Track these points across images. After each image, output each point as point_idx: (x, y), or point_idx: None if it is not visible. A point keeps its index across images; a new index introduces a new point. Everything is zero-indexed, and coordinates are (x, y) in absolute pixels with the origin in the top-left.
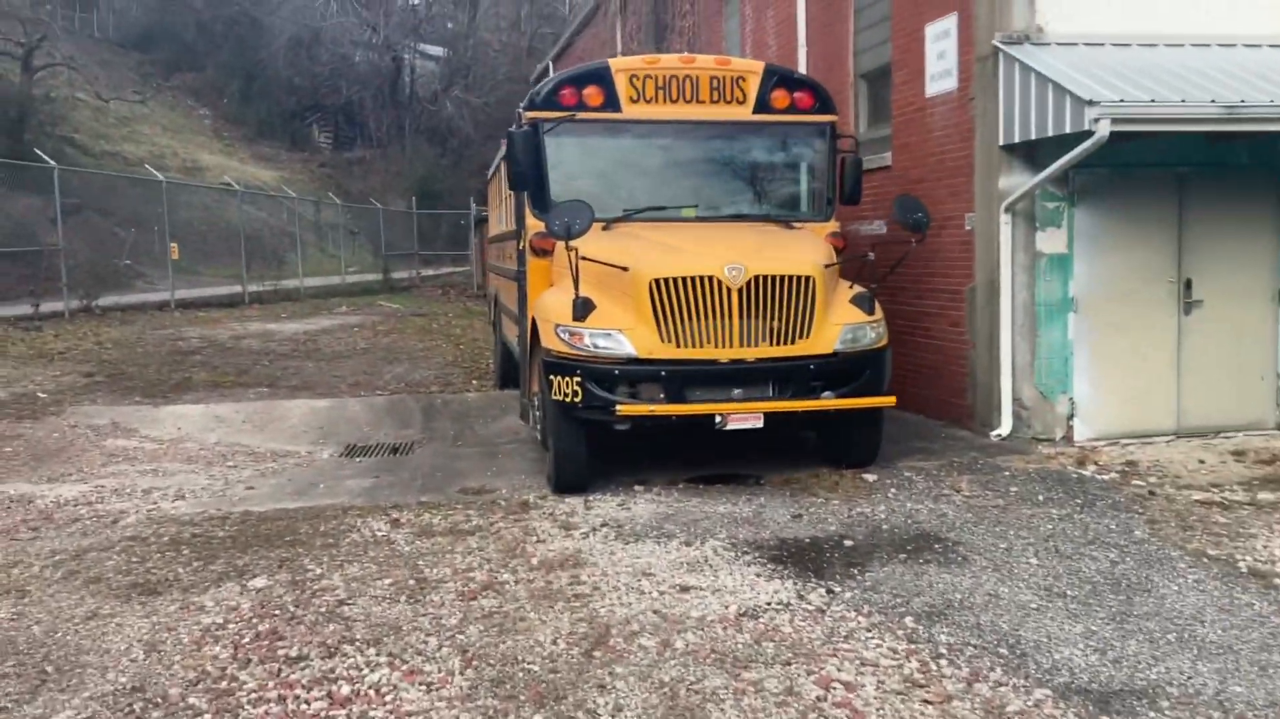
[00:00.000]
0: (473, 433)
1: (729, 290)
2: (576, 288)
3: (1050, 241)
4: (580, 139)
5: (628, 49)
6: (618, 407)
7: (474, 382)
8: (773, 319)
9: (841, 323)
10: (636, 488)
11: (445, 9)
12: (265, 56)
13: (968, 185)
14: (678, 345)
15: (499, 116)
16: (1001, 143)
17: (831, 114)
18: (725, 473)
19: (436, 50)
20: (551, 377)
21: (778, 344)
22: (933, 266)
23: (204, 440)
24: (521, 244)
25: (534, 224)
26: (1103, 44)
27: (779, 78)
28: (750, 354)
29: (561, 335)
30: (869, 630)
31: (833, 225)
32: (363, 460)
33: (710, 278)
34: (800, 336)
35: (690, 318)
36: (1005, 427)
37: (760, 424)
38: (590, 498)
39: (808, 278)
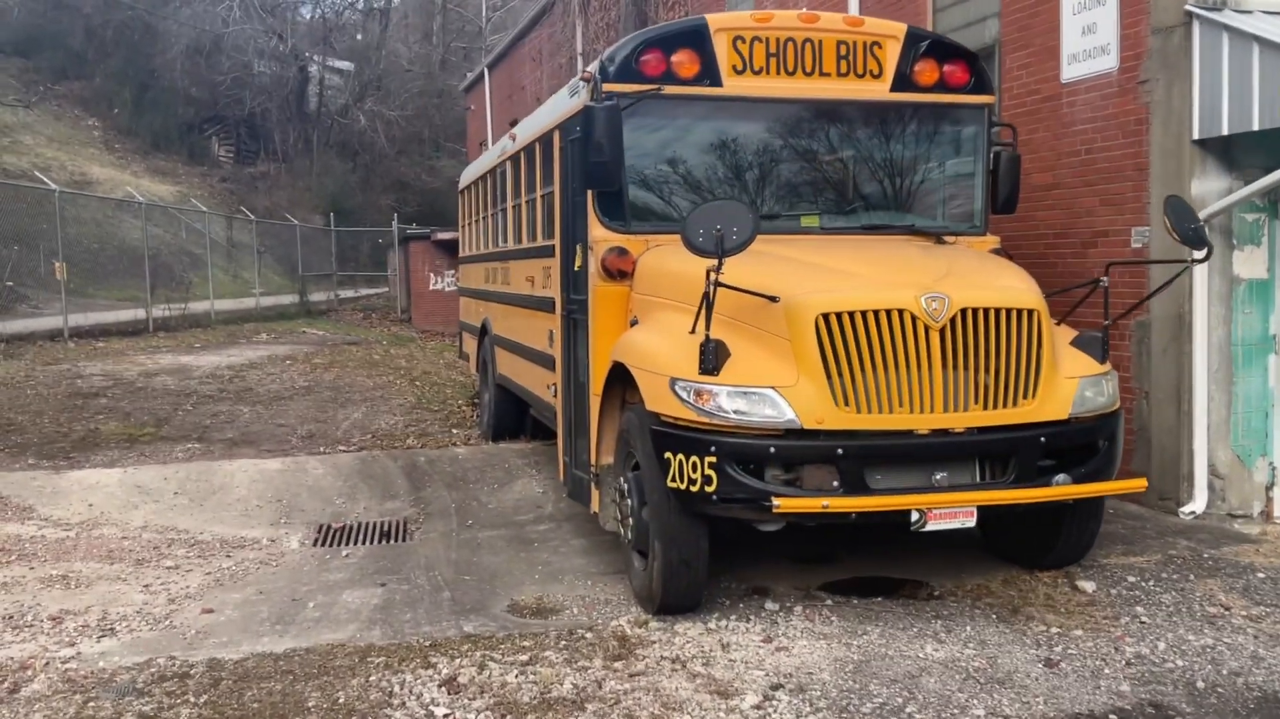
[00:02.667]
0: (481, 505)
1: (927, 330)
2: (707, 326)
3: (1249, 264)
4: (666, 121)
5: (590, 50)
6: (774, 499)
7: (454, 430)
8: (985, 371)
9: (1076, 376)
10: (761, 601)
11: (355, 19)
12: (160, 65)
13: (1136, 192)
14: (858, 410)
15: (412, 131)
16: (1197, 136)
17: (989, 94)
18: (872, 576)
19: (344, 64)
20: (666, 454)
21: (993, 406)
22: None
23: (126, 523)
24: (578, 263)
25: (604, 236)
26: None
27: (926, 44)
28: (958, 421)
29: (681, 394)
30: None
31: (993, 240)
32: (349, 553)
33: (902, 312)
34: (1024, 396)
35: (874, 369)
36: (1199, 502)
37: (973, 523)
38: (710, 622)
39: (1031, 312)
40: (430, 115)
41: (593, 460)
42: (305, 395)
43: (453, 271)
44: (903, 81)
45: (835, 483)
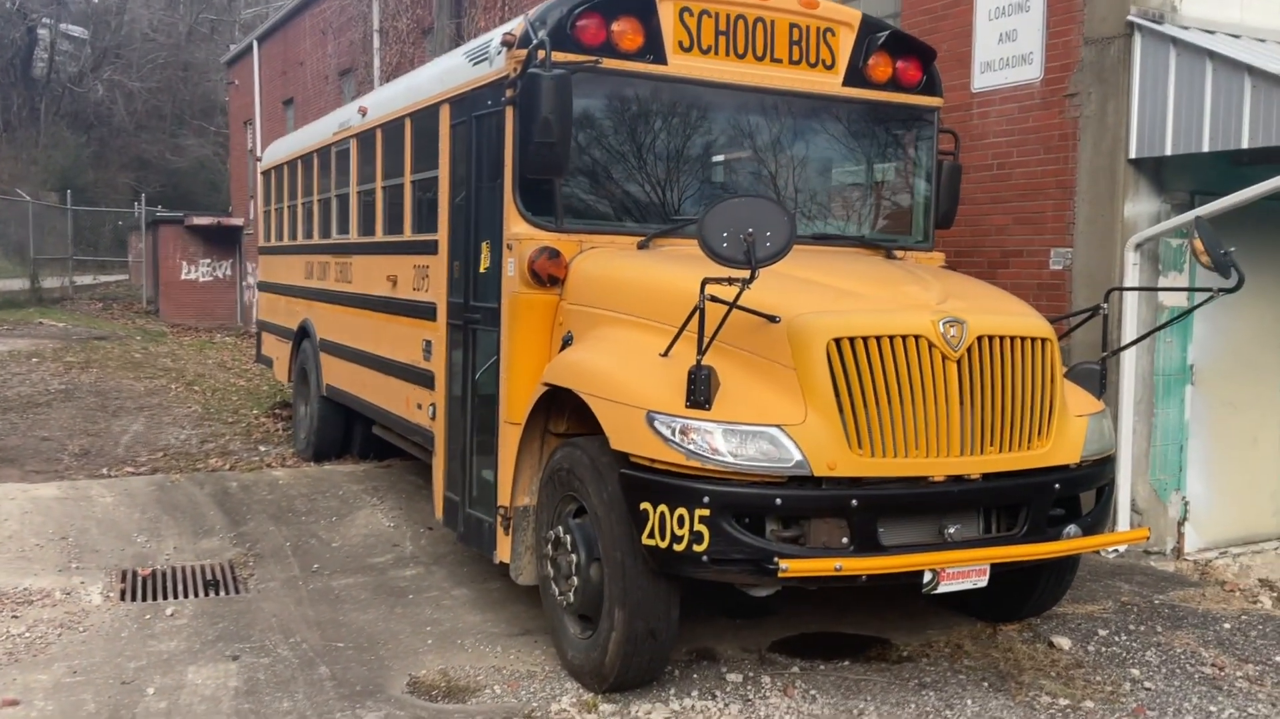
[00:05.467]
0: (323, 544)
1: (944, 360)
2: (700, 349)
3: (1171, 292)
4: (602, 101)
5: (389, 27)
6: (780, 561)
7: (262, 448)
8: (1000, 409)
9: (1085, 413)
10: (714, 669)
11: None
12: None
13: (1058, 211)
14: (872, 453)
15: (154, 105)
16: (1133, 155)
17: (939, 96)
18: (821, 631)
19: (78, 30)
20: (643, 505)
21: (1006, 449)
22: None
23: None
24: (484, 265)
25: (529, 233)
26: (1239, 35)
27: (881, 36)
28: (974, 466)
29: (662, 432)
30: None
31: (939, 256)
32: (173, 610)
33: (918, 338)
34: (1038, 436)
35: (889, 405)
36: None
37: (984, 583)
38: (670, 701)
39: (1045, 341)
40: (175, 89)
41: (505, 501)
42: (66, 401)
43: (207, 260)
44: (855, 75)
45: (845, 540)
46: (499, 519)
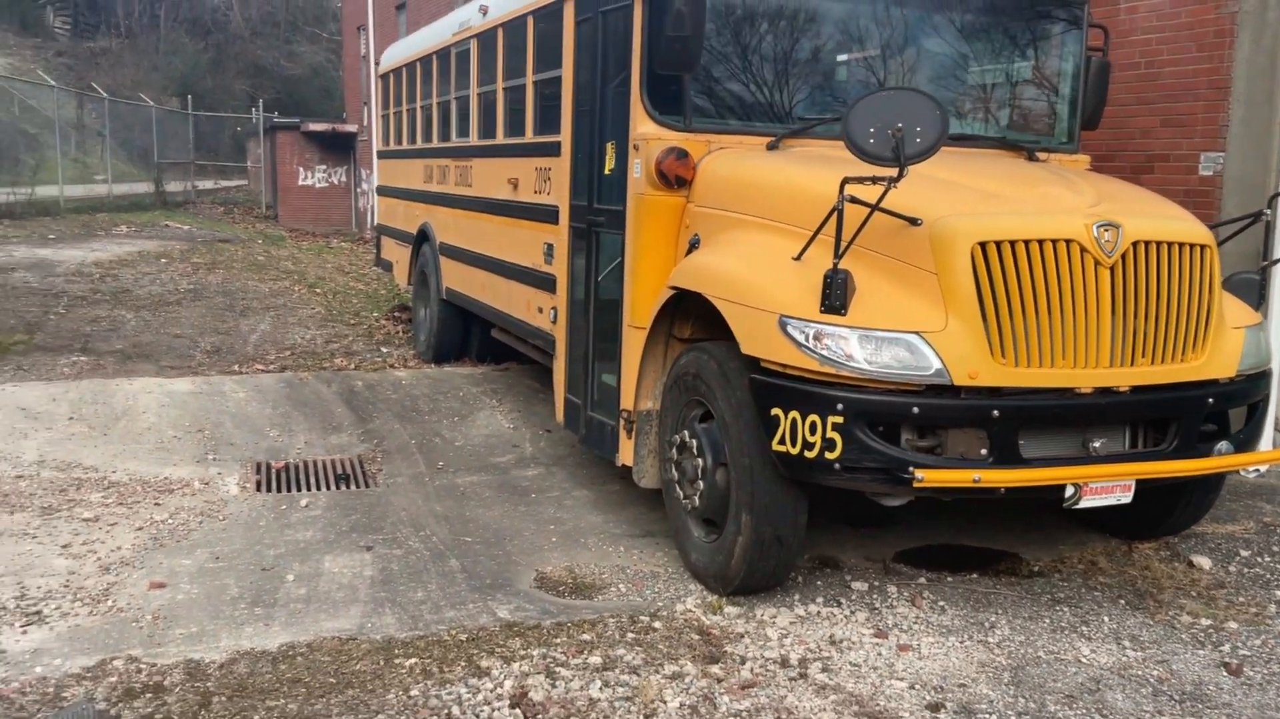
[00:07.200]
0: (446, 443)
1: (1096, 266)
2: (837, 252)
3: None
4: None
5: None
6: (915, 470)
7: (384, 349)
8: (1154, 318)
9: (1241, 325)
10: (839, 577)
11: None
12: None
13: (1209, 113)
14: (1015, 362)
15: (267, 11)
16: None
17: None
18: (946, 544)
19: None
20: (774, 410)
21: (1158, 361)
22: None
23: (19, 457)
24: (609, 166)
25: (657, 133)
26: None
27: None
28: (1124, 378)
29: (795, 337)
30: None
31: (1084, 159)
32: (308, 501)
33: (1070, 243)
34: (1191, 349)
35: (1035, 313)
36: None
37: (1129, 499)
38: (795, 606)
39: (1204, 248)
40: None
41: (628, 404)
42: (194, 300)
43: (323, 166)
44: None
45: (984, 451)
46: (621, 423)
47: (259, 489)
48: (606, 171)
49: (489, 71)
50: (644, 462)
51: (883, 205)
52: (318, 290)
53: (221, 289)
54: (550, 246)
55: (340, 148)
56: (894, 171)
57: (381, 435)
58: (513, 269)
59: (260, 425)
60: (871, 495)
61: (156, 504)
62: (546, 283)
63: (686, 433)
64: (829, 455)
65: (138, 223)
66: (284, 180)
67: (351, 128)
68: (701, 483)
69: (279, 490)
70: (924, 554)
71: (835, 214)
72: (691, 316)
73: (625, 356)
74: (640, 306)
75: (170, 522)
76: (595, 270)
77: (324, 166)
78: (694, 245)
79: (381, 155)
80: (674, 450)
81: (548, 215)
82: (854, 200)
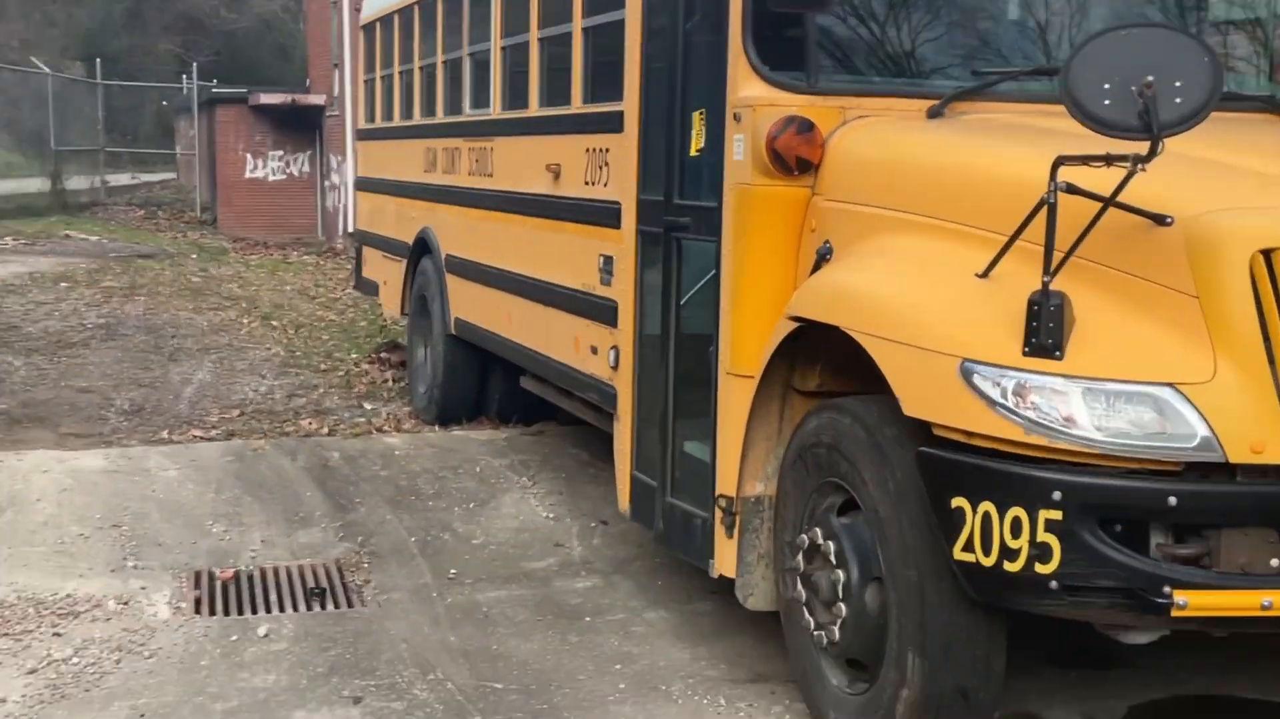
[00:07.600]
0: (459, 540)
1: None
2: (1048, 269)
3: None
4: None
5: None
6: (1173, 591)
7: (367, 405)
8: None
9: None
10: None
11: None
12: None
13: None
14: None
15: None
16: None
17: None
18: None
19: None
20: (956, 500)
21: None
22: None
23: None
24: (698, 145)
25: (769, 97)
26: None
27: None
28: None
29: (986, 392)
30: None
31: None
32: (267, 629)
33: None
34: None
35: None
36: None
37: None
38: None
39: None
40: None
41: (728, 488)
42: (107, 340)
43: (279, 152)
44: None
45: (1275, 562)
46: (718, 514)
47: (199, 611)
48: (693, 153)
49: (519, 15)
50: (752, 572)
51: (1121, 199)
52: (274, 323)
53: (143, 324)
54: (609, 260)
55: (302, 127)
56: (1138, 147)
57: (368, 530)
58: (552, 292)
59: (199, 517)
60: (1104, 628)
61: (57, 635)
62: (603, 311)
63: (819, 531)
64: (1041, 569)
65: (28, 233)
66: (225, 172)
67: (317, 99)
68: (843, 606)
69: (227, 613)
70: (1172, 710)
71: (1043, 210)
72: (821, 360)
73: (723, 418)
74: (745, 346)
75: (76, 661)
76: (676, 294)
77: (280, 153)
78: (824, 257)
79: (362, 136)
80: (799, 557)
81: (605, 216)
82: (1072, 190)
